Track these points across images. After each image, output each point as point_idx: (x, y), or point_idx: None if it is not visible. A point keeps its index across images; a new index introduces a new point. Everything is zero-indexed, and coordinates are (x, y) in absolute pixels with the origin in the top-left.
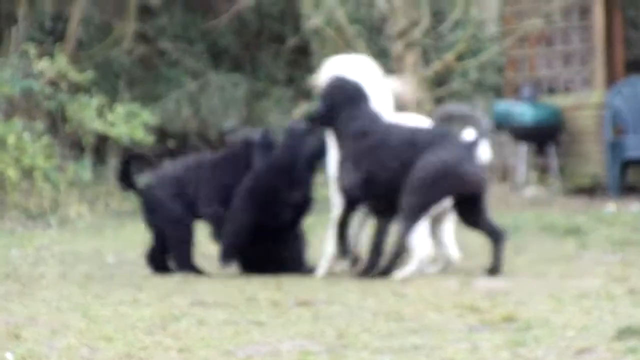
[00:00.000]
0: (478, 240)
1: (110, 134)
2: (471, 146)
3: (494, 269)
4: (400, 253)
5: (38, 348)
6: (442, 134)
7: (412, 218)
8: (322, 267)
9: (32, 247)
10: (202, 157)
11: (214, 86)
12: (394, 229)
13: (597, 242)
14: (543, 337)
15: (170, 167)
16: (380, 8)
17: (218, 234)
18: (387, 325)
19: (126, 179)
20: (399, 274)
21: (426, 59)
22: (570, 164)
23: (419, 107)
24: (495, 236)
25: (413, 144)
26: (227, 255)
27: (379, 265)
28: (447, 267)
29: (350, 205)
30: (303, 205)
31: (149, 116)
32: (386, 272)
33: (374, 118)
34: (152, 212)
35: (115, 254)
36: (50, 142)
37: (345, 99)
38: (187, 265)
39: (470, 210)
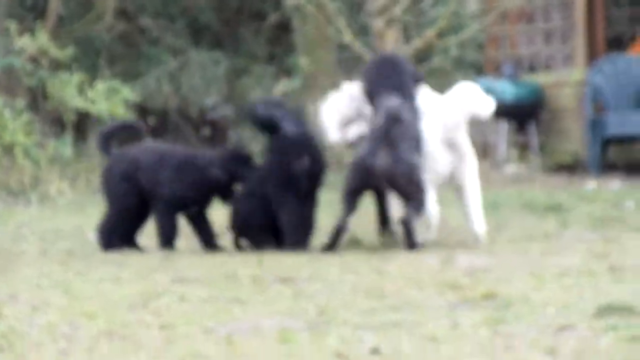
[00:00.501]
0: (460, 217)
1: (90, 110)
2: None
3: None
4: (343, 230)
5: (19, 325)
6: None
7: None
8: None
9: (12, 224)
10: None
11: (194, 63)
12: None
13: (578, 219)
14: (523, 314)
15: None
16: None
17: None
18: (368, 302)
19: (105, 145)
20: (419, 242)
21: (407, 36)
22: (550, 141)
23: None
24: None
25: None
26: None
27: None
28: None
29: None
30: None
31: (129, 93)
32: (330, 247)
33: None
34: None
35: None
36: (31, 118)
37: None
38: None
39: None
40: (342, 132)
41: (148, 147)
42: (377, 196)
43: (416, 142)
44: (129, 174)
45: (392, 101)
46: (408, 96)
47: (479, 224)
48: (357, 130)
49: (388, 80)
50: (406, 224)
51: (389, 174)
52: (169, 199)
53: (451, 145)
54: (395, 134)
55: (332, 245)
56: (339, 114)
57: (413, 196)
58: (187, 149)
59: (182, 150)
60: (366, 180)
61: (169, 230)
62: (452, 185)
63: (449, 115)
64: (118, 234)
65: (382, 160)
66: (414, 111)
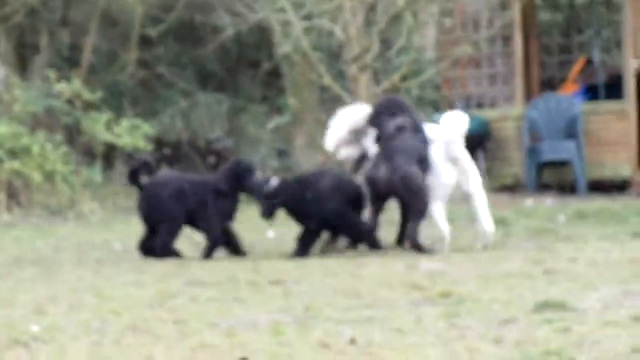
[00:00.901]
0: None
1: (117, 143)
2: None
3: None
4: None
5: (58, 321)
6: None
7: None
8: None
9: (53, 238)
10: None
11: (202, 104)
12: None
13: (518, 231)
14: (474, 310)
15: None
16: (338, 37)
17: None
18: (346, 301)
19: (134, 178)
20: (443, 250)
21: (376, 80)
22: (495, 166)
23: None
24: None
25: None
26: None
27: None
28: (486, 242)
29: None
30: None
31: (148, 129)
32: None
33: None
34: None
35: (121, 243)
36: (68, 150)
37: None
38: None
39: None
40: (337, 147)
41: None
42: (401, 210)
43: (419, 157)
44: (177, 195)
45: (398, 119)
46: (411, 118)
47: (488, 223)
48: (349, 151)
49: (394, 108)
50: (411, 239)
51: (388, 183)
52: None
53: (453, 161)
54: (393, 148)
55: (373, 243)
56: (345, 128)
57: (413, 203)
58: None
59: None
60: (374, 191)
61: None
62: (461, 194)
63: (448, 134)
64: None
65: (381, 172)
66: (417, 129)
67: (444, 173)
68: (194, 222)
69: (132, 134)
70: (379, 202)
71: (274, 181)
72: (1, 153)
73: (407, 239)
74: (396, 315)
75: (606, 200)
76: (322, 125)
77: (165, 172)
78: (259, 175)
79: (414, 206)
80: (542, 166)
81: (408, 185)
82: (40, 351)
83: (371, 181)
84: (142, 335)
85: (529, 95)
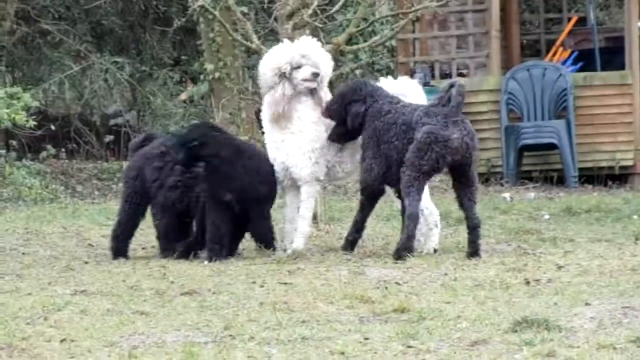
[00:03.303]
0: (374, 225)
1: None
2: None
3: (472, 254)
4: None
5: None
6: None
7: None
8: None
9: None
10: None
11: (97, 69)
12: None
13: (492, 231)
14: (436, 328)
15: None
16: None
17: None
18: (275, 316)
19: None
20: (433, 243)
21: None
22: None
23: None
24: (470, 223)
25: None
26: None
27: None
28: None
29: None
30: None
31: (30, 99)
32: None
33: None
34: None
35: None
36: None
37: None
38: None
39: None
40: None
41: None
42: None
43: None
44: None
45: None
46: None
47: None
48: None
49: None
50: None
51: (462, 145)
52: None
53: None
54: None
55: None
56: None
57: (474, 176)
58: None
59: None
60: (442, 154)
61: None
62: None
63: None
64: None
65: (456, 132)
66: None
67: None
68: None
69: (10, 105)
70: (431, 174)
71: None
72: None
73: (472, 226)
74: (337, 335)
75: (601, 194)
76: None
77: None
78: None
79: (475, 179)
80: (523, 151)
81: (477, 151)
82: None
83: (443, 145)
84: (20, 356)
85: (507, 63)
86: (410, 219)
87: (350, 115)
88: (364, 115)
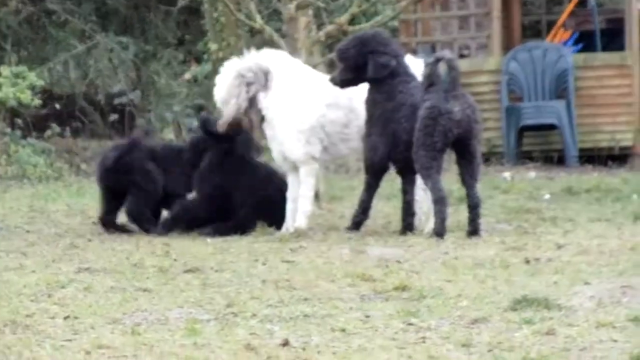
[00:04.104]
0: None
1: None
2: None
3: (471, 232)
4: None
5: None
6: None
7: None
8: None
9: None
10: None
11: (102, 48)
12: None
13: (492, 210)
14: (436, 306)
15: None
16: None
17: None
18: (277, 294)
19: None
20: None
21: (319, 22)
22: None
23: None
24: (470, 202)
25: None
26: None
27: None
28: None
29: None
30: None
31: (35, 78)
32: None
33: None
34: None
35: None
36: None
37: None
38: None
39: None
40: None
41: None
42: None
43: None
44: None
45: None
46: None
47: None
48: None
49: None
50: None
51: (464, 119)
52: None
53: None
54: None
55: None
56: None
57: (477, 151)
58: None
59: None
60: (444, 129)
61: None
62: None
63: None
64: None
65: (457, 105)
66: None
67: None
68: None
69: (15, 84)
70: (444, 150)
71: None
72: None
73: (473, 205)
74: (338, 313)
75: (601, 174)
76: None
77: None
78: None
79: (477, 155)
80: (524, 131)
81: (480, 124)
82: None
83: (447, 117)
84: (24, 332)
85: (508, 44)
86: (438, 203)
87: (376, 65)
88: (393, 72)
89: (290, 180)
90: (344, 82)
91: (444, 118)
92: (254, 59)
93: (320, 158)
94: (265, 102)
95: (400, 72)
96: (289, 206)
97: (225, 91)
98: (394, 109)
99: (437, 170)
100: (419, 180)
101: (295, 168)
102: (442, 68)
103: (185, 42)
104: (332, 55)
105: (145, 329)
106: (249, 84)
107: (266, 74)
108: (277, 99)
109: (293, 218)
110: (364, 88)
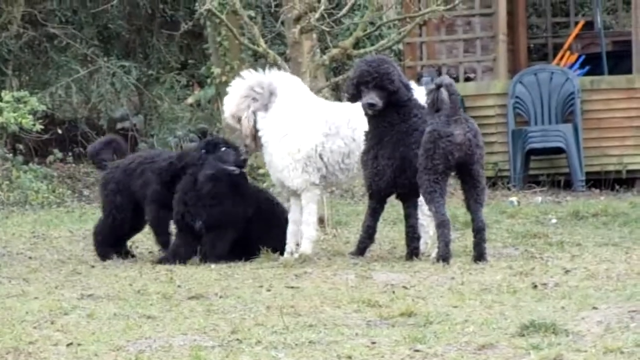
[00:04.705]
0: (381, 229)
1: None
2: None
3: (477, 257)
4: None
5: None
6: None
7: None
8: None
9: None
10: None
11: (104, 72)
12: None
13: (499, 235)
14: (443, 332)
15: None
16: None
17: None
18: (282, 320)
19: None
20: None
21: (323, 46)
22: None
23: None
24: (474, 226)
25: None
26: None
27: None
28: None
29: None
30: None
31: (37, 103)
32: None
33: None
34: None
35: (0, 246)
36: None
37: None
38: None
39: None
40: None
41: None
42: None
43: None
44: None
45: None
46: None
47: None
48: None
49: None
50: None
51: (466, 143)
52: None
53: None
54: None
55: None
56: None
57: (481, 176)
58: None
59: None
60: (446, 155)
61: None
62: None
63: None
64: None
65: (458, 129)
66: None
67: None
68: None
69: (16, 109)
70: (447, 173)
71: None
72: None
73: (477, 229)
74: (344, 339)
75: (609, 198)
76: None
77: None
78: None
79: (481, 180)
80: (530, 155)
81: (482, 149)
82: None
83: (447, 140)
84: None
85: (514, 67)
86: (440, 226)
87: (406, 86)
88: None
89: (292, 201)
90: (380, 104)
91: (444, 141)
92: (267, 76)
93: (321, 184)
94: (262, 123)
95: (414, 97)
96: (290, 228)
97: (235, 105)
98: (406, 132)
99: (441, 193)
100: (425, 206)
101: (295, 193)
102: (444, 94)
103: (188, 66)
104: (337, 79)
105: (149, 356)
106: (254, 99)
107: (271, 95)
108: (274, 123)
109: (294, 240)
110: (364, 118)
